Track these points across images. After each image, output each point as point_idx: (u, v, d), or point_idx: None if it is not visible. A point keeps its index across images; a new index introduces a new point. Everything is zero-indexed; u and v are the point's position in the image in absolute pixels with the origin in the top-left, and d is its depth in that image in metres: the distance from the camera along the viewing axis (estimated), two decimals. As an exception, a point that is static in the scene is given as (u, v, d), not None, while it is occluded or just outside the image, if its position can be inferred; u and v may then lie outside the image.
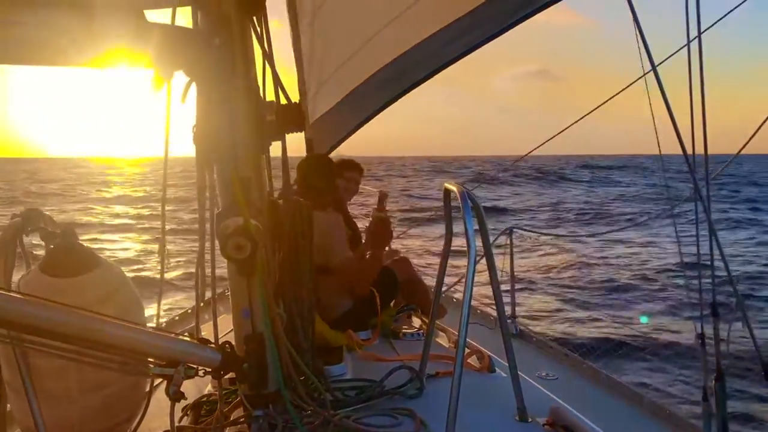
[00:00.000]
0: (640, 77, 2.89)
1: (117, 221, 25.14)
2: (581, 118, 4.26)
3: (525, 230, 5.95)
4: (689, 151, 2.38)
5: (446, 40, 3.31)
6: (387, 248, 4.03)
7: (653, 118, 3.02)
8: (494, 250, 2.75)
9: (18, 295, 1.75)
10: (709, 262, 2.51)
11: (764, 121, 2.80)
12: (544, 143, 4.58)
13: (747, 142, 2.84)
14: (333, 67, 4.02)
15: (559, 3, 2.74)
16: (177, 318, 4.41)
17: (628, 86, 3.40)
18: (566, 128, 4.41)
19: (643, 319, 8.69)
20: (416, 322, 3.98)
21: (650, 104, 2.95)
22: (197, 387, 2.58)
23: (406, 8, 3.37)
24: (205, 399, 2.59)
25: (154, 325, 2.44)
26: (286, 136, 2.07)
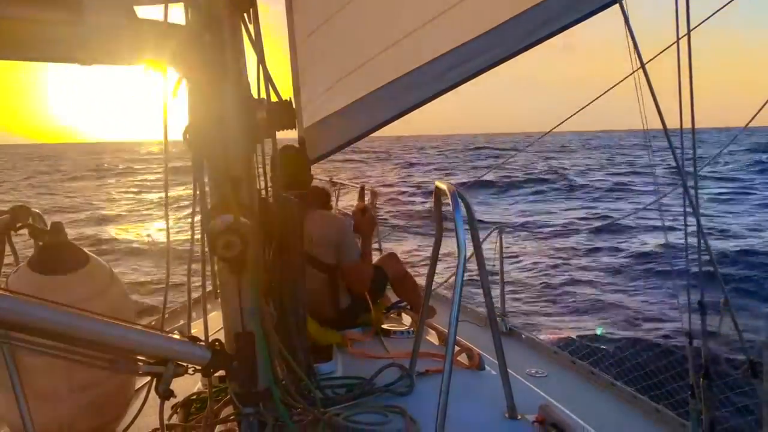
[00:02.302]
0: (629, 74, 2.92)
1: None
2: (579, 111, 4.31)
3: (515, 229, 5.97)
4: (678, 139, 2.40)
5: (460, 58, 3.33)
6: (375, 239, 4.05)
7: (643, 117, 3.06)
8: (484, 248, 2.76)
9: (6, 293, 1.74)
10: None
11: (752, 119, 2.84)
12: (545, 134, 4.63)
13: (733, 139, 2.88)
14: (345, 71, 4.00)
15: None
16: (167, 316, 4.39)
17: (619, 83, 3.44)
18: (567, 118, 4.44)
19: (599, 331, 8.67)
20: (406, 319, 3.99)
21: (641, 102, 2.99)
22: (187, 385, 2.58)
23: (426, 22, 3.38)
24: (194, 397, 2.59)
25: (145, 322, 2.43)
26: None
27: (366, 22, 3.73)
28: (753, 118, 2.79)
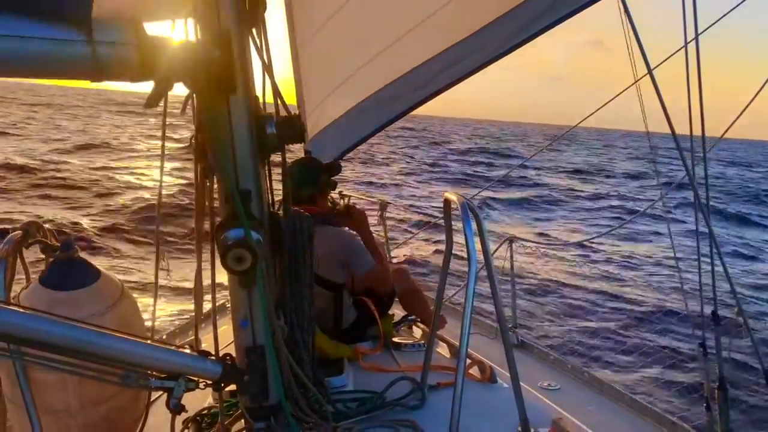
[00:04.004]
0: (635, 81, 2.93)
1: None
2: (590, 115, 4.36)
3: (525, 240, 5.96)
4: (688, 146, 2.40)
5: (453, 59, 3.34)
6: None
7: (645, 121, 3.05)
8: (494, 260, 2.75)
9: (18, 309, 1.75)
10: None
11: (749, 103, 2.84)
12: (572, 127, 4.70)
13: (739, 115, 2.89)
14: (340, 79, 4.03)
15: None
16: (177, 330, 4.40)
17: (626, 89, 3.45)
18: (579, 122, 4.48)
19: None
20: (417, 332, 3.98)
21: (642, 110, 2.99)
22: (198, 399, 2.57)
23: (415, 25, 3.40)
24: (206, 412, 2.59)
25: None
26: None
27: (360, 27, 3.75)
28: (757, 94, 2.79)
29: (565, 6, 2.83)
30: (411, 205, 20.99)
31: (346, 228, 3.76)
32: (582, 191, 29.19)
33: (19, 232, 2.12)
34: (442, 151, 48.12)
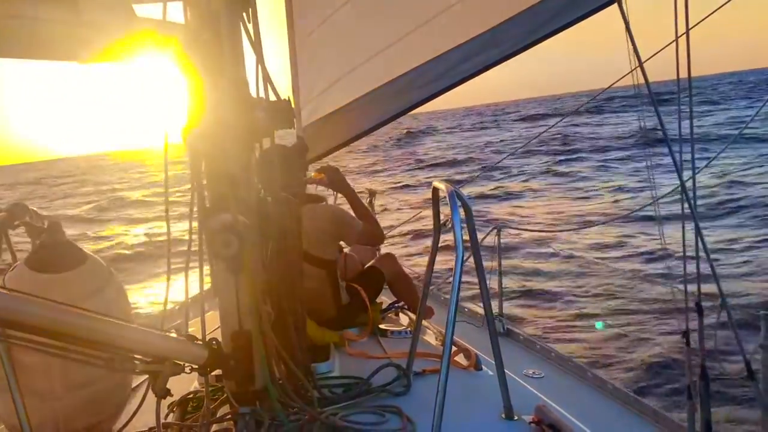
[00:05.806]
0: (628, 72, 2.94)
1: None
2: (585, 104, 4.35)
3: (513, 228, 5.98)
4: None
5: (459, 58, 3.34)
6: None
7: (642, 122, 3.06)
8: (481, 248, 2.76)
9: (3, 290, 1.74)
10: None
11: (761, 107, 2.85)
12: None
13: (732, 140, 2.90)
14: (343, 71, 4.01)
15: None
16: (164, 315, 4.38)
17: (616, 81, 3.45)
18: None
19: (599, 325, 8.64)
20: (404, 319, 3.99)
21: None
22: (183, 384, 2.57)
23: (425, 21, 3.39)
24: (191, 396, 2.59)
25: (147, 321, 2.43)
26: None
27: (365, 23, 3.73)
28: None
29: (577, 9, 2.84)
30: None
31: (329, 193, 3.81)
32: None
33: (5, 213, 2.11)
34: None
